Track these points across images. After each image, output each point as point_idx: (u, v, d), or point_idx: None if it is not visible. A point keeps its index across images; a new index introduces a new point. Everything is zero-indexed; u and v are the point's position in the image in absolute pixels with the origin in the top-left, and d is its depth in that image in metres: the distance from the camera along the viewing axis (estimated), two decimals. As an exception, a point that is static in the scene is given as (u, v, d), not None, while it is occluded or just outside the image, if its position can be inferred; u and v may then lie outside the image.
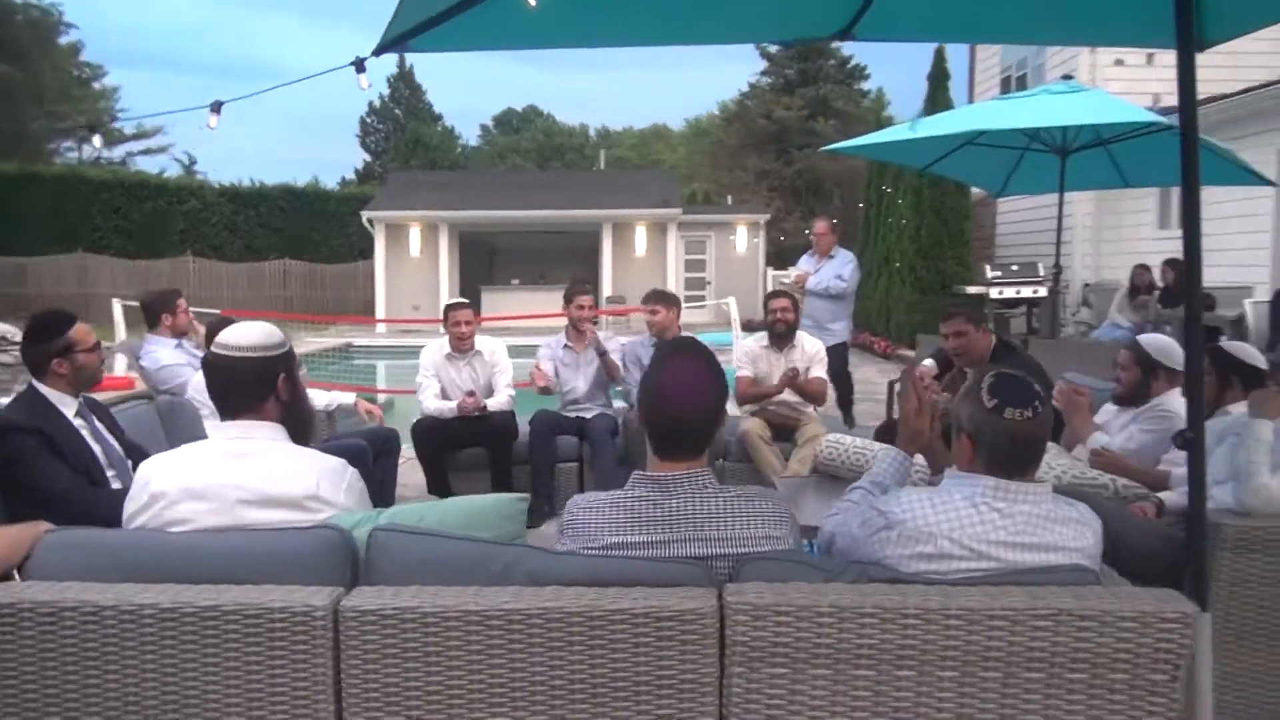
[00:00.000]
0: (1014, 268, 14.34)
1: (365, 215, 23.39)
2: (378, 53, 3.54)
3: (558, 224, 23.99)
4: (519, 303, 23.05)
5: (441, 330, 5.85)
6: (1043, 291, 14.14)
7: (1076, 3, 3.76)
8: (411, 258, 23.64)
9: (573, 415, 5.86)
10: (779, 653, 2.04)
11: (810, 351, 5.92)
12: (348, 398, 5.30)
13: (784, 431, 5.74)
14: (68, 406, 3.46)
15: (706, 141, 49.88)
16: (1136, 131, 7.94)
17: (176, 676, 2.09)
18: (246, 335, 2.46)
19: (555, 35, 3.59)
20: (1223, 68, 13.88)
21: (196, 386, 4.72)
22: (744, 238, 25.35)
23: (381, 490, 4.73)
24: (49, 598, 2.10)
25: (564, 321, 6.13)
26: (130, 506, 2.36)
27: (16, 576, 2.25)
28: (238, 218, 29.85)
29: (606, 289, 22.98)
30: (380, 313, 22.99)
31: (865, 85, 38.00)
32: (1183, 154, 2.63)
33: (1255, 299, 7.10)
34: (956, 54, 18.85)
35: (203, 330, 5.50)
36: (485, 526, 2.33)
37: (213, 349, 2.46)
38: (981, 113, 8.03)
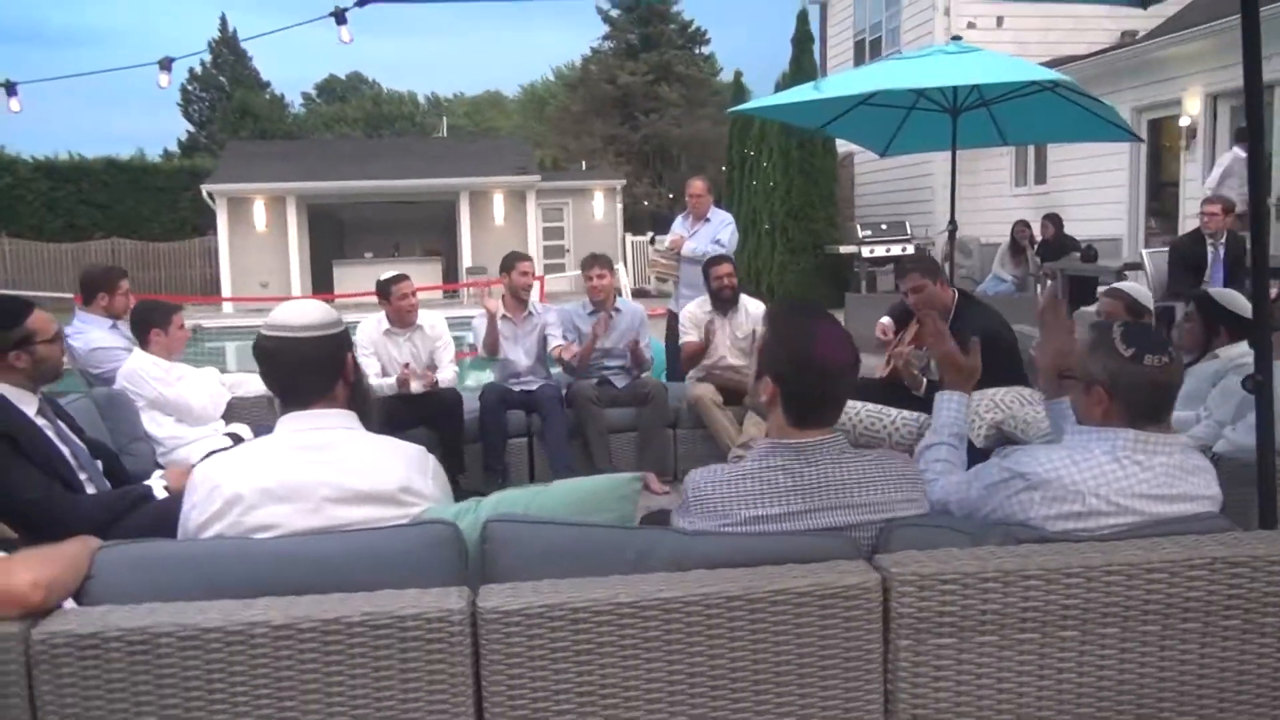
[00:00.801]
0: (883, 227, 14.74)
1: (205, 189, 22.11)
2: (362, 3, 3.29)
3: (412, 193, 23.28)
4: (375, 276, 22.21)
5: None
6: (910, 249, 14.60)
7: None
8: (257, 232, 22.50)
9: (516, 389, 5.65)
10: (945, 623, 1.97)
11: (755, 314, 5.89)
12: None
13: (733, 396, 5.70)
14: (28, 404, 3.08)
15: (549, 108, 49.38)
16: (1018, 91, 8.22)
17: (296, 699, 1.86)
18: (306, 314, 2.22)
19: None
20: (1071, 30, 14.58)
21: (127, 375, 4.32)
22: (601, 204, 25.21)
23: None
24: (140, 623, 1.83)
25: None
26: (197, 515, 2.09)
27: (71, 603, 1.97)
28: (56, 194, 27.70)
29: (466, 259, 22.47)
30: (226, 291, 21.84)
31: (706, 49, 38.37)
32: (1247, 113, 2.63)
33: (1152, 249, 7.48)
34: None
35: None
36: (599, 510, 2.17)
37: (268, 333, 2.20)
38: (884, 72, 8.14)
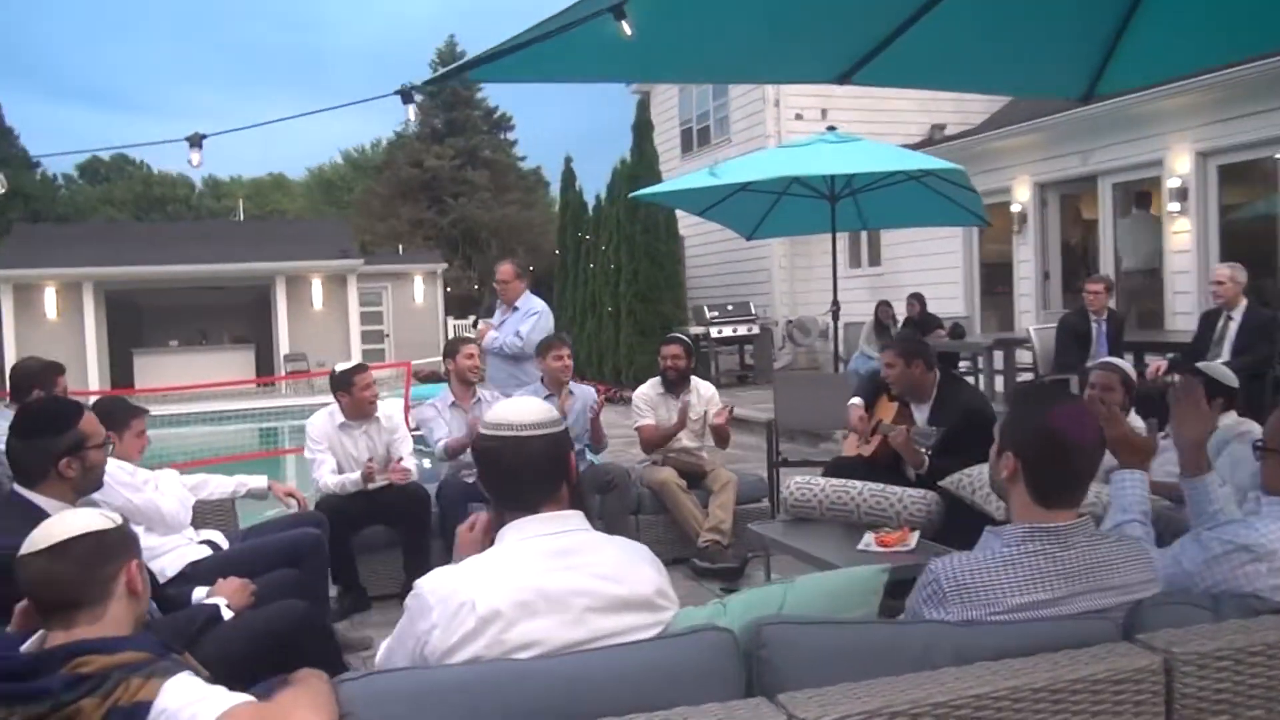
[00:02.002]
0: (729, 308, 15.13)
1: (-12, 275, 20.30)
2: (431, 84, 3.14)
3: (222, 278, 22.14)
4: (181, 366, 21.04)
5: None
6: (756, 330, 15.05)
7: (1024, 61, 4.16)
8: (48, 321, 20.80)
9: (470, 480, 5.39)
10: (1221, 700, 1.98)
11: (707, 395, 5.89)
12: (258, 481, 4.49)
13: (693, 479, 5.65)
14: (69, 520, 2.68)
15: (339, 191, 48.53)
16: (886, 180, 8.72)
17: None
18: (531, 412, 2.05)
19: (625, 69, 3.37)
20: (888, 123, 15.57)
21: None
22: (421, 287, 24.79)
23: (317, 590, 4.04)
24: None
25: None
26: (443, 635, 1.85)
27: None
28: None
29: (284, 346, 21.49)
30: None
31: (511, 135, 38.75)
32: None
33: (1038, 325, 8.01)
34: (628, 102, 19.37)
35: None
36: (850, 605, 2.09)
37: (492, 433, 2.02)
38: (777, 160, 8.43)
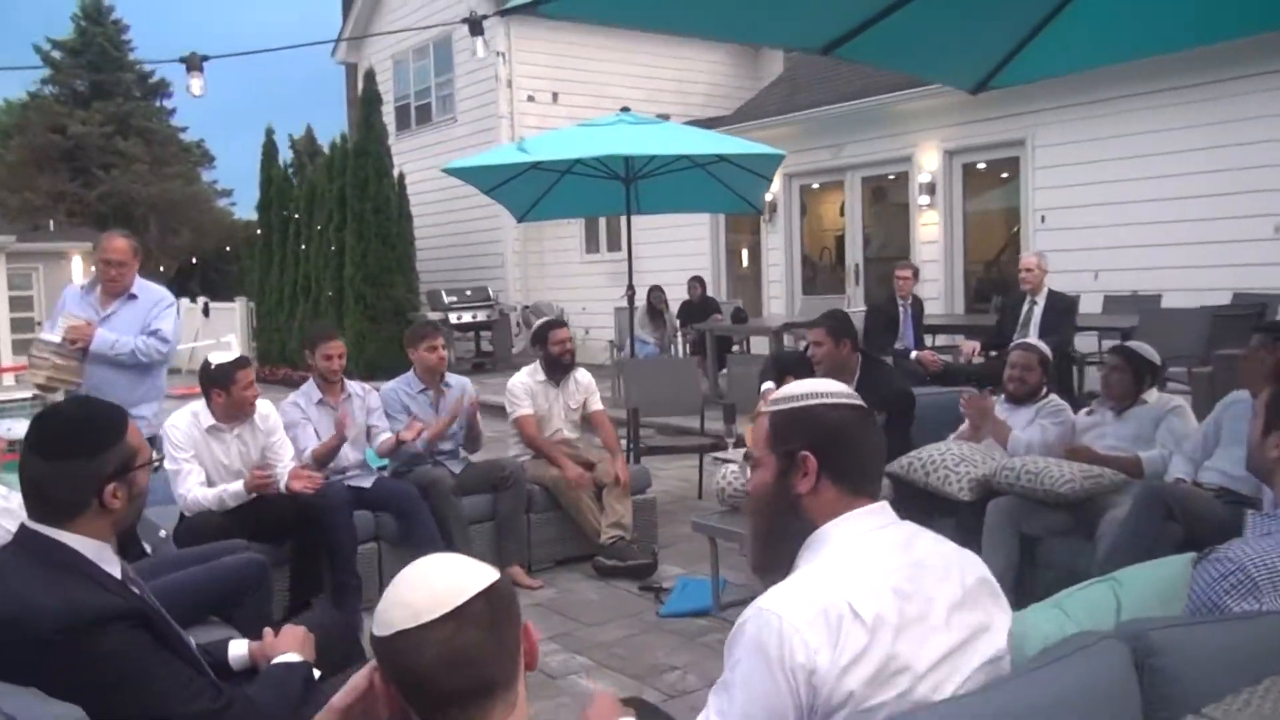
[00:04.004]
0: (468, 293, 14.59)
1: None
2: (504, 13, 2.68)
3: None
4: None
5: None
6: (496, 316, 14.65)
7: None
8: None
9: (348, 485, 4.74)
10: None
11: (585, 383, 5.54)
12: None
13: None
14: (112, 563, 1.97)
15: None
16: (672, 165, 8.75)
17: None
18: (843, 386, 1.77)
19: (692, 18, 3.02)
20: (614, 111, 15.62)
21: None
22: (80, 269, 21.99)
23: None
24: None
25: None
26: (837, 656, 1.46)
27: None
28: None
29: (-88, 336, 18.29)
30: None
31: (169, 103, 35.39)
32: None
33: (852, 308, 8.27)
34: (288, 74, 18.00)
35: None
36: (1177, 598, 1.93)
37: (843, 400, 1.73)
38: (583, 137, 8.12)
